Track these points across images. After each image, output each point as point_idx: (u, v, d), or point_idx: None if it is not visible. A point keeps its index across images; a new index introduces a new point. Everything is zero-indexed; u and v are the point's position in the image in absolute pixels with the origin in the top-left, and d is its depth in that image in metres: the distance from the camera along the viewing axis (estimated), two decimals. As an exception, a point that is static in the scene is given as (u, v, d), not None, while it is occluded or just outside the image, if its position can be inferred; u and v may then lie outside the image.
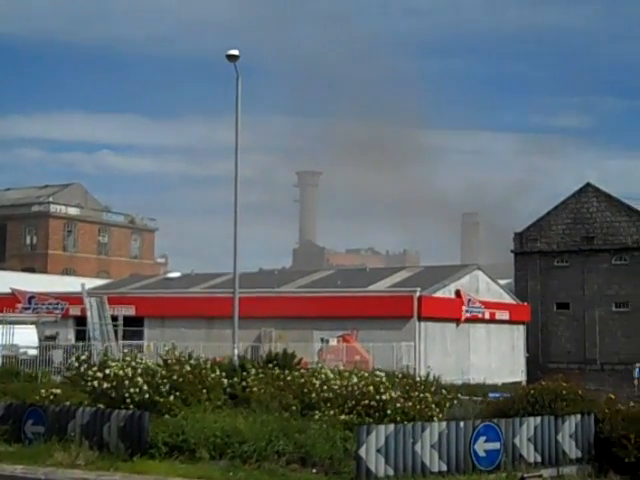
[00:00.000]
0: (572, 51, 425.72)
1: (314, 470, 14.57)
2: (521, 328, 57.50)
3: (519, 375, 53.32)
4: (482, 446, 14.94)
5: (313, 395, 18.34)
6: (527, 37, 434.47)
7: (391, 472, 13.90)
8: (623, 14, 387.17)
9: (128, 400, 17.25)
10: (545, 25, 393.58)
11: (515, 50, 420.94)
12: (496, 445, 15.10)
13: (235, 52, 29.74)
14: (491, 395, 27.83)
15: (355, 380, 18.50)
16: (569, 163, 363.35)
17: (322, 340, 43.42)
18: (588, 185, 66.70)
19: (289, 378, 19.49)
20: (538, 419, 15.93)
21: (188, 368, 18.35)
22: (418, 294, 44.72)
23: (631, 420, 15.83)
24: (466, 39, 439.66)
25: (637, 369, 57.05)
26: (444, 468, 14.49)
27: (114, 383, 17.69)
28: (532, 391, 17.07)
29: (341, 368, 23.96)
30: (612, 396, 17.81)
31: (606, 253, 63.65)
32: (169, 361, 18.88)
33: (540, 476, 14.92)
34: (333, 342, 43.14)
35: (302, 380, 19.17)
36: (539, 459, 15.73)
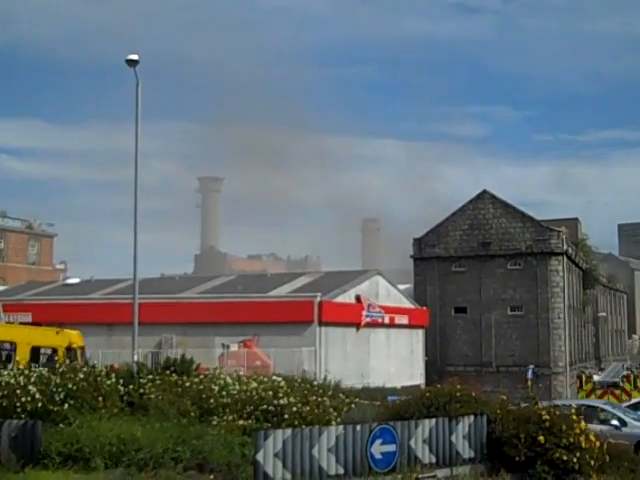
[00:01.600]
0: (470, 62, 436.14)
1: (211, 476, 14.52)
2: (420, 332, 58.41)
3: (418, 378, 54.17)
4: (378, 449, 15.13)
5: (211, 401, 18.24)
6: (429, 48, 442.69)
7: (288, 476, 13.94)
8: (517, 28, 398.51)
9: (20, 409, 16.82)
10: (445, 36, 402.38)
11: (417, 60, 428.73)
12: (392, 447, 15.32)
13: (135, 57, 29.28)
14: (390, 398, 28.14)
15: (254, 385, 18.51)
16: (468, 170, 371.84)
17: (223, 346, 43.16)
18: (485, 192, 68.25)
19: (187, 384, 19.31)
20: (433, 421, 16.24)
21: (82, 376, 18.02)
22: (318, 299, 44.91)
23: (521, 420, 16.31)
24: (369, 48, 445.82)
25: (530, 370, 58.73)
26: (341, 471, 14.62)
27: (5, 392, 17.22)
28: (427, 394, 17.41)
29: (241, 373, 23.92)
30: (504, 397, 18.29)
31: (501, 258, 65.28)
32: (62, 369, 18.49)
33: (434, 476, 15.23)
34: (234, 348, 42.96)
35: (200, 386, 19.05)
36: (434, 460, 16.04)
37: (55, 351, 27.85)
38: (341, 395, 19.17)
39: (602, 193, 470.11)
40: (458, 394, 17.06)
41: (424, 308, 59.67)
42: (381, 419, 17.00)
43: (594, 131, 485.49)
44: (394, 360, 52.73)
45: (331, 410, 17.33)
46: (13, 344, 28.38)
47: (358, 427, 15.12)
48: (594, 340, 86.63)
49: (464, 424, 16.63)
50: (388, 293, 54.01)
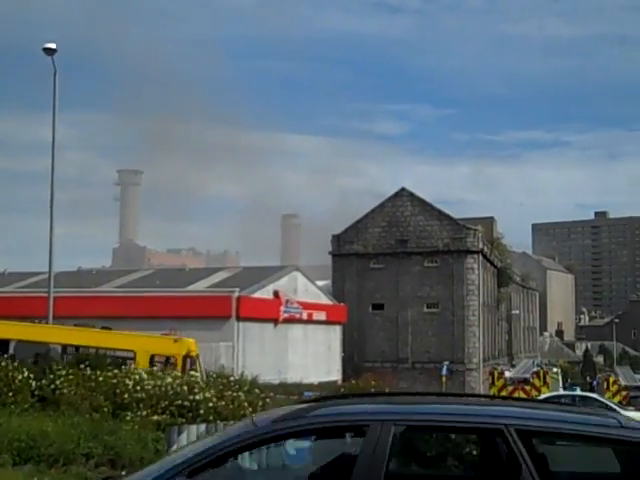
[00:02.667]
0: (391, 60, 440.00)
1: (123, 472, 14.35)
2: (337, 328, 58.73)
3: (335, 374, 54.49)
4: (293, 445, 15.16)
5: (125, 396, 18.02)
6: (350, 45, 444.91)
7: (201, 472, 13.89)
8: (436, 28, 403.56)
9: None
10: (366, 35, 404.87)
11: (338, 57, 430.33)
12: (306, 444, 15.36)
13: (52, 45, 28.81)
14: (306, 394, 28.31)
15: (169, 380, 18.37)
16: (387, 168, 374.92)
17: (139, 341, 42.65)
18: (403, 190, 69.00)
19: (101, 379, 19.06)
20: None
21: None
22: (237, 294, 44.87)
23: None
24: (290, 44, 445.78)
25: (445, 367, 59.78)
26: (255, 467, 14.61)
27: None
28: (342, 389, 17.59)
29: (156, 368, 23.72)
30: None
31: (419, 256, 66.10)
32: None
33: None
34: (150, 343, 42.48)
35: (114, 380, 18.82)
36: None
37: (169, 359, 27.67)
38: (256, 390, 19.18)
39: (517, 193, 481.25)
40: (372, 390, 17.26)
41: (342, 304, 60.02)
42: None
43: (510, 132, 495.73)
44: (311, 356, 52.90)
45: (246, 405, 17.34)
46: (133, 352, 27.88)
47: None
48: (507, 337, 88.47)
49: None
50: (306, 289, 54.17)
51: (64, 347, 28.82)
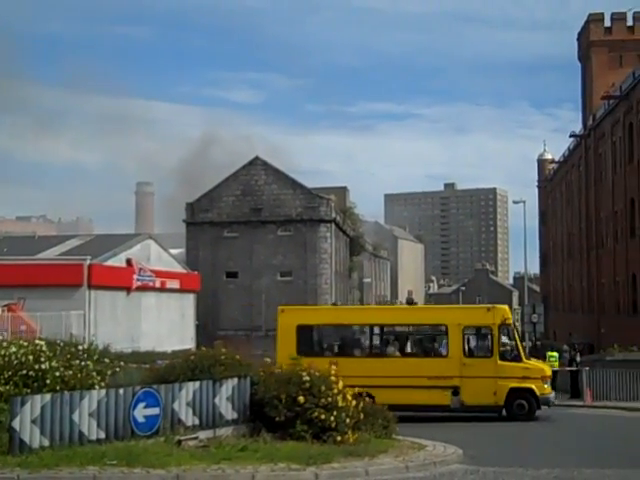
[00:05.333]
0: (247, 29, 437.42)
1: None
2: (191, 297, 58.54)
3: (189, 342, 54.32)
4: (142, 412, 15.16)
5: (-34, 367, 17.43)
6: (205, 12, 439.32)
7: (46, 443, 13.69)
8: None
9: None
10: (223, 2, 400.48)
11: (193, 24, 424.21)
12: (155, 410, 15.40)
13: None
14: (159, 362, 28.14)
15: (13, 350, 17.85)
16: (242, 136, 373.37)
17: (-15, 310, 41.29)
18: (257, 159, 69.15)
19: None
20: (197, 384, 16.44)
21: None
22: (88, 262, 44.16)
23: (282, 382, 16.84)
24: (144, 9, 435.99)
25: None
26: (102, 436, 14.52)
27: None
28: (192, 357, 17.59)
29: (5, 338, 23.01)
30: (268, 360, 18.84)
31: (272, 224, 66.55)
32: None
33: (196, 438, 15.46)
34: (-3, 312, 41.22)
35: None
36: (197, 422, 16.26)
37: (488, 330, 26.44)
38: (106, 360, 18.91)
39: (371, 164, 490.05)
40: (223, 357, 17.34)
41: (196, 273, 59.81)
42: (146, 383, 17.00)
43: (364, 103, 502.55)
44: (165, 324, 52.62)
45: (94, 374, 17.09)
46: (444, 327, 26.74)
47: (121, 391, 15.07)
48: (360, 304, 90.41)
49: (228, 386, 16.96)
50: (160, 257, 53.71)
51: (371, 327, 27.82)
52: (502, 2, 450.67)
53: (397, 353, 27.53)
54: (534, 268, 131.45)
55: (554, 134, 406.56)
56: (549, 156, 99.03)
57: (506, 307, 27.56)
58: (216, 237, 67.26)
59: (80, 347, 18.94)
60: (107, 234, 60.95)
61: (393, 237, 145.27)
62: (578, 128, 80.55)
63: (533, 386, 26.18)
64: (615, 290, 62.60)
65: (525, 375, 26.21)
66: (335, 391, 16.84)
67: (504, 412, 26.38)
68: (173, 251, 58.96)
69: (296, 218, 66.36)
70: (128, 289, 48.40)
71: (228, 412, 16.95)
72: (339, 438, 16.28)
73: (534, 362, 27.85)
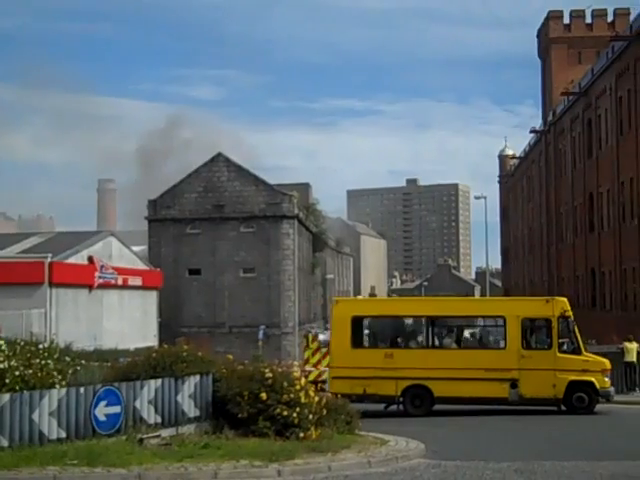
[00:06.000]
0: (207, 25, 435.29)
1: None
2: (154, 294, 58.19)
3: (151, 340, 54.00)
4: (103, 410, 15.06)
5: None
6: (165, 9, 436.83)
7: (5, 443, 13.55)
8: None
9: None
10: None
11: (153, 20, 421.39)
12: (117, 409, 15.30)
13: None
14: (121, 360, 27.95)
15: (-29, 349, 17.63)
16: (204, 133, 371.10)
17: (-58, 310, 40.73)
18: (219, 155, 68.86)
19: None
20: (159, 381, 16.36)
21: None
22: (49, 260, 43.74)
23: (245, 378, 16.83)
24: (106, 4, 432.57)
25: (261, 331, 60.55)
26: (63, 435, 14.41)
27: None
28: (154, 354, 17.50)
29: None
30: (230, 357, 18.78)
31: (235, 221, 66.30)
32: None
33: (158, 436, 15.39)
34: (-46, 311, 40.69)
35: None
36: (159, 420, 16.18)
37: (547, 322, 25.98)
38: (67, 358, 18.75)
39: (334, 160, 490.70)
40: (185, 354, 17.28)
41: (158, 270, 59.47)
42: (108, 381, 16.88)
43: (326, 100, 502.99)
44: (127, 322, 52.27)
45: (55, 373, 16.93)
46: (503, 318, 26.15)
47: (82, 389, 14.96)
48: (322, 301, 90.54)
49: (190, 384, 16.91)
50: (121, 254, 53.32)
51: (428, 319, 27.06)
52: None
53: (454, 345, 27.21)
54: (496, 263, 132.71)
55: (515, 130, 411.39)
56: (510, 152, 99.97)
57: (565, 299, 27.20)
58: (178, 234, 66.90)
59: (41, 346, 18.76)
60: (68, 231, 60.42)
61: (356, 233, 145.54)
62: (538, 124, 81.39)
63: (593, 379, 25.81)
64: (575, 285, 63.38)
65: (585, 368, 25.87)
66: (297, 387, 16.85)
67: (562, 406, 26.16)
68: (135, 248, 58.58)
69: (259, 214, 66.21)
70: (90, 287, 48.02)
71: (190, 409, 16.90)
72: (302, 434, 16.31)
73: (594, 355, 27.57)
